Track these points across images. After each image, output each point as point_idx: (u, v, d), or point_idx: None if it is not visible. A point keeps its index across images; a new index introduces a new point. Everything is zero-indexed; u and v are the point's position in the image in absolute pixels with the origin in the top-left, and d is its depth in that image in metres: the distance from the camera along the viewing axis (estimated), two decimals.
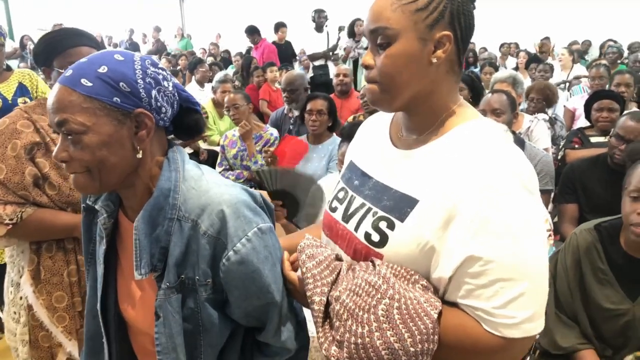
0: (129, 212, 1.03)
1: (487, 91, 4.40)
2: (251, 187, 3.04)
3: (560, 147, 3.49)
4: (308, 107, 3.21)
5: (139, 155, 0.93)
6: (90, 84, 0.87)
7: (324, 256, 0.95)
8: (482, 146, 0.87)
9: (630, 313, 1.65)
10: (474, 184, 0.83)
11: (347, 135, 2.26)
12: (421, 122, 0.95)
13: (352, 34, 7.22)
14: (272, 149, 3.34)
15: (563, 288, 1.79)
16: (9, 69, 2.63)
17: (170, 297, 0.97)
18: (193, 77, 6.50)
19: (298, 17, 7.86)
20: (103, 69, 0.88)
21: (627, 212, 1.62)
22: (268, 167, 3.02)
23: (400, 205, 0.90)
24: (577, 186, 2.66)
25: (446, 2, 0.86)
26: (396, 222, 0.90)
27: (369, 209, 0.96)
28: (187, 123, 1.02)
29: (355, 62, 7.06)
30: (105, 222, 1.04)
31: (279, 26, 7.70)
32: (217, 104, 4.71)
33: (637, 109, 4.18)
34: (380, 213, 0.93)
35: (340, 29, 7.34)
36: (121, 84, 0.88)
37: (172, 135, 1.07)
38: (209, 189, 0.97)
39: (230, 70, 7.66)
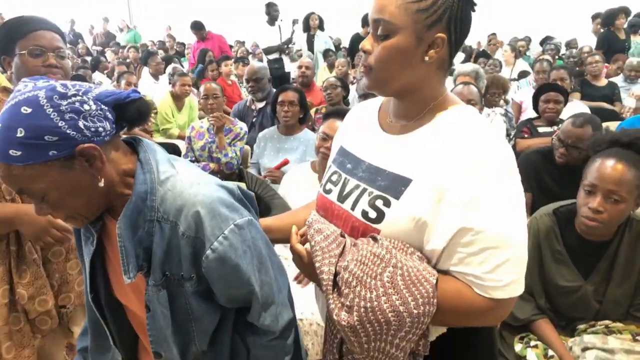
0: (112, 212, 1.05)
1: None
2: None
3: (511, 137, 3.70)
4: (280, 98, 3.25)
5: (101, 184, 0.94)
6: (19, 153, 0.84)
7: (330, 231, 1.03)
8: (468, 129, 0.96)
9: (582, 289, 1.78)
10: (462, 163, 0.91)
11: (333, 112, 2.41)
12: (410, 110, 1.03)
13: (307, 27, 7.27)
14: (242, 142, 3.36)
15: None
16: None
17: (158, 294, 1.00)
18: (144, 69, 6.36)
19: (249, 9, 7.80)
20: (21, 133, 0.84)
21: (580, 204, 1.73)
22: (253, 174, 3.07)
23: (394, 185, 0.98)
24: (530, 177, 2.80)
25: (446, 7, 0.93)
26: (392, 199, 0.97)
27: (365, 189, 1.03)
28: (130, 117, 0.99)
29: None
30: (95, 226, 1.06)
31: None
32: (176, 97, 4.66)
33: (578, 100, 4.49)
34: (376, 192, 1.00)
35: (294, 22, 7.34)
36: (46, 137, 0.85)
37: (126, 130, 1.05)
38: (183, 189, 0.98)
39: (184, 63, 7.54)
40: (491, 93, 4.07)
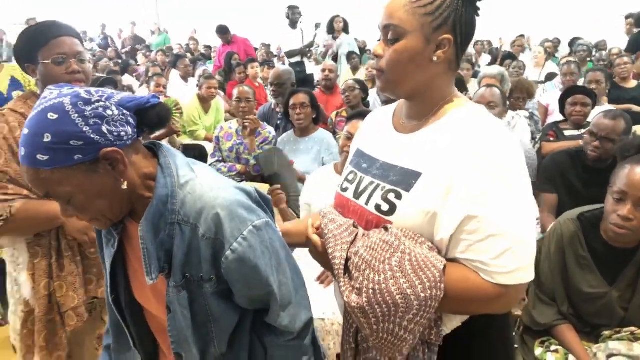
0: (133, 215, 1.07)
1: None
2: (240, 181, 3.14)
3: (537, 140, 3.65)
4: (291, 102, 3.29)
5: (124, 186, 0.97)
6: (46, 157, 0.88)
7: (343, 221, 1.08)
8: (475, 125, 1.00)
9: (608, 296, 1.76)
10: (469, 157, 0.95)
11: (357, 114, 2.47)
12: (421, 110, 1.09)
13: (331, 30, 7.29)
14: (269, 146, 3.41)
15: (545, 273, 1.91)
16: None
17: (179, 295, 1.03)
18: (172, 71, 6.48)
19: (273, 13, 7.85)
20: (47, 138, 0.88)
21: (609, 211, 1.71)
22: (263, 154, 3.11)
23: (405, 179, 1.03)
24: (557, 179, 2.76)
25: (450, 11, 0.99)
26: (403, 192, 1.02)
27: (378, 185, 1.08)
28: (150, 122, 1.02)
29: (334, 59, 7.15)
30: (117, 229, 1.09)
31: None
32: (203, 100, 4.75)
33: (608, 104, 4.41)
34: (388, 187, 1.05)
35: (317, 25, 7.38)
36: (72, 142, 0.88)
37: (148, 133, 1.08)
38: (204, 193, 1.00)
39: (209, 66, 7.65)
40: (515, 97, 4.02)
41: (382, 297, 0.93)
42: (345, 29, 7.32)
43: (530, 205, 0.98)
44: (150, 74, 5.70)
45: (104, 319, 1.85)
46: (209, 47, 10.24)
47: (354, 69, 6.85)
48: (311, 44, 7.05)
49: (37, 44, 1.60)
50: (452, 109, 1.06)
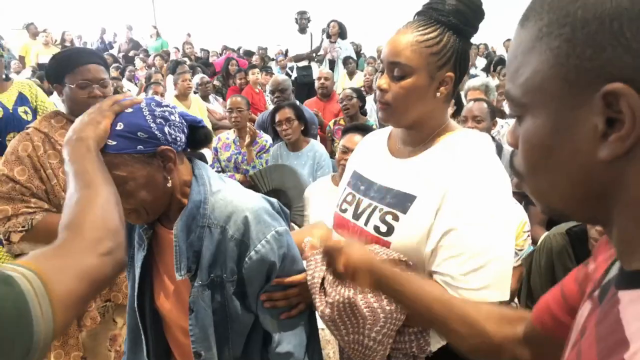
0: (164, 221, 1.18)
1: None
2: None
3: None
4: (276, 118, 3.28)
5: (169, 185, 1.08)
6: (114, 143, 1.00)
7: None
8: (465, 150, 1.09)
9: None
10: (458, 179, 1.04)
11: (352, 127, 2.59)
12: (417, 137, 1.17)
13: (328, 35, 7.36)
14: (267, 155, 3.44)
15: (536, 284, 1.99)
16: (7, 79, 2.66)
17: (203, 294, 1.13)
18: (170, 77, 6.49)
19: (280, 17, 7.85)
20: (120, 126, 1.01)
21: (589, 226, 1.82)
22: (259, 170, 3.15)
23: (402, 201, 1.11)
24: None
25: (453, 50, 1.07)
26: (399, 214, 1.10)
27: (376, 207, 1.16)
28: (198, 138, 1.16)
29: (331, 63, 7.23)
30: (147, 233, 1.20)
31: None
32: (181, 97, 4.73)
33: None
34: (386, 209, 1.13)
35: (324, 30, 7.43)
36: (139, 133, 1.01)
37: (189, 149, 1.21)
38: (233, 199, 1.13)
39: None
40: (499, 93, 4.08)
41: (350, 310, 1.03)
42: (342, 34, 7.38)
43: (508, 229, 1.06)
44: (152, 80, 5.72)
45: (116, 321, 1.97)
46: (206, 51, 10.23)
47: (350, 74, 6.91)
48: (318, 49, 7.12)
49: (66, 68, 1.76)
50: (444, 136, 1.15)
